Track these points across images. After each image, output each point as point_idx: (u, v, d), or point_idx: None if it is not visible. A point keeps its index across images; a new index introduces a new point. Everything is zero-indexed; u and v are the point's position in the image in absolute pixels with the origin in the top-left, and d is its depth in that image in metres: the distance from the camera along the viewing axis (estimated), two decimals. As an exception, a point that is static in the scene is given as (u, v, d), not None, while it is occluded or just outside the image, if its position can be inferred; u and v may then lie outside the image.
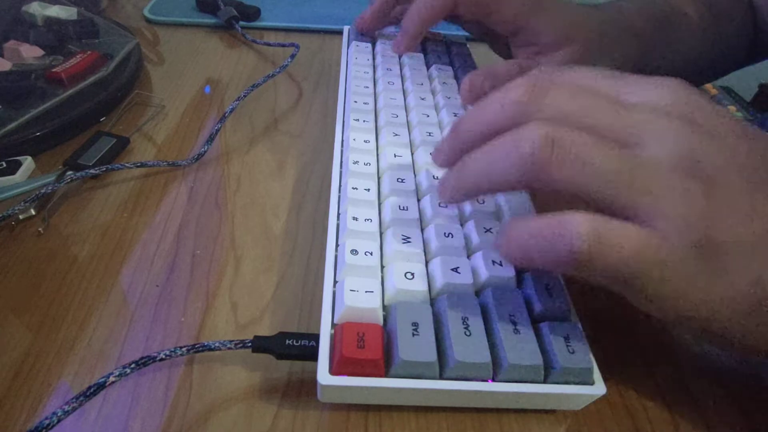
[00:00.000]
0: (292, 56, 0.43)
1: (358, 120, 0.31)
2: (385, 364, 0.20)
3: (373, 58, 0.39)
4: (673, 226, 0.17)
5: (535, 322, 0.22)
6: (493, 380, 0.20)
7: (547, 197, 0.22)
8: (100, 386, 0.19)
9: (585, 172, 0.18)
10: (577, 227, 0.17)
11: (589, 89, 0.20)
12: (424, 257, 0.23)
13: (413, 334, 0.20)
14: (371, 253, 0.23)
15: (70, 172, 0.30)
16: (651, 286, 0.18)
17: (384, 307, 0.22)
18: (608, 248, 0.17)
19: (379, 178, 0.28)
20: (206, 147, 0.34)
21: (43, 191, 0.28)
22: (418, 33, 0.35)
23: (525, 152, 0.18)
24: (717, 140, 0.18)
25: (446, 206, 0.25)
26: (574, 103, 0.19)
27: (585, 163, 0.18)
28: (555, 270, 0.20)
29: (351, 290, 0.21)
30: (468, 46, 0.43)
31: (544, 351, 0.21)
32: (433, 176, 0.27)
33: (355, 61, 0.38)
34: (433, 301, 0.22)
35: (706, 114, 0.19)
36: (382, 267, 0.23)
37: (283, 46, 0.46)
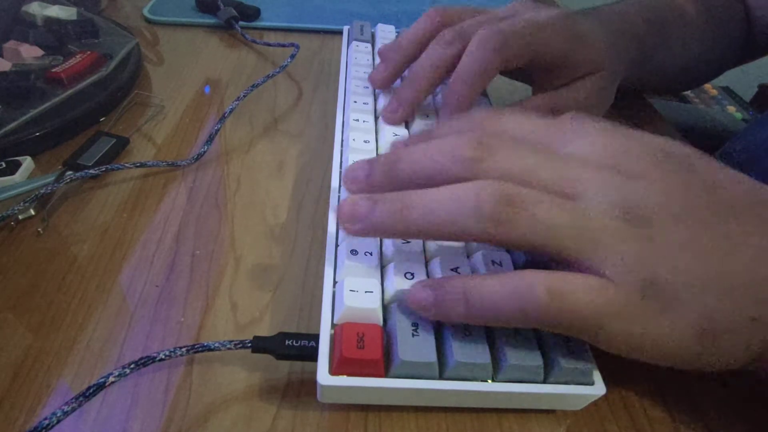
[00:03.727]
0: (292, 56, 0.43)
1: (357, 120, 0.31)
2: (384, 365, 0.20)
3: (373, 59, 0.39)
4: (618, 271, 0.18)
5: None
6: (493, 380, 0.20)
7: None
8: (100, 387, 0.19)
9: (537, 229, 0.19)
10: (533, 285, 0.18)
11: (529, 140, 0.22)
12: (423, 257, 0.23)
13: (413, 335, 0.20)
14: (371, 253, 0.23)
15: (69, 172, 0.30)
16: (605, 330, 0.18)
17: (384, 308, 0.22)
18: (563, 301, 0.18)
19: (378, 178, 0.28)
20: (206, 147, 0.34)
21: (42, 191, 0.28)
22: (471, 103, 0.30)
23: (486, 209, 0.19)
24: (648, 183, 0.19)
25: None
26: (519, 161, 0.20)
27: (537, 220, 0.19)
28: (521, 325, 0.21)
29: (351, 290, 0.21)
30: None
31: (544, 351, 0.21)
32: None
33: (355, 61, 0.38)
34: (433, 301, 0.22)
35: (635, 157, 0.20)
36: (382, 267, 0.23)
37: (283, 46, 0.46)
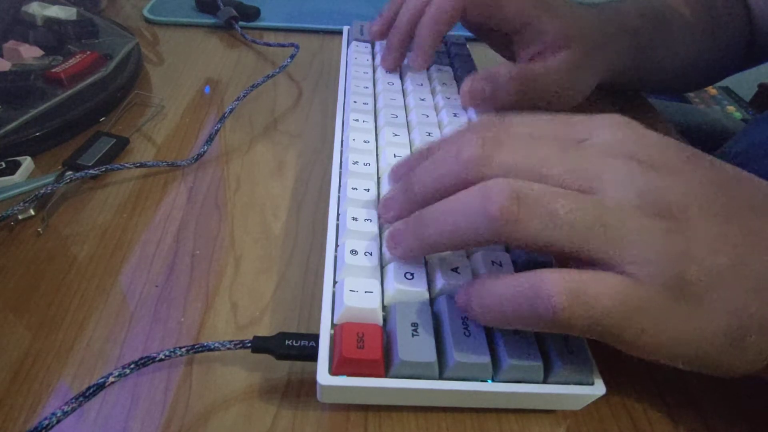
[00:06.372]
0: (292, 56, 0.43)
1: (357, 120, 0.31)
2: (384, 365, 0.20)
3: (373, 58, 0.39)
4: (645, 270, 0.17)
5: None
6: (493, 380, 0.20)
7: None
8: (100, 387, 0.19)
9: (553, 226, 0.18)
10: (551, 287, 0.17)
11: (539, 136, 0.20)
12: (423, 258, 0.23)
13: (413, 335, 0.20)
14: (371, 254, 0.23)
15: (69, 173, 0.30)
16: (630, 331, 0.17)
17: (384, 308, 0.22)
18: (586, 303, 0.17)
19: (378, 178, 0.28)
20: (206, 147, 0.34)
21: (42, 191, 0.28)
22: (433, 47, 0.34)
23: (493, 210, 0.18)
24: (671, 175, 0.18)
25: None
26: (529, 154, 0.19)
27: (552, 216, 0.18)
28: (535, 330, 0.20)
29: (351, 290, 0.21)
30: (467, 46, 0.43)
31: (543, 351, 0.21)
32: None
33: (355, 61, 0.38)
34: (432, 302, 0.22)
35: (656, 149, 0.19)
36: (382, 267, 0.23)
37: (283, 46, 0.46)
